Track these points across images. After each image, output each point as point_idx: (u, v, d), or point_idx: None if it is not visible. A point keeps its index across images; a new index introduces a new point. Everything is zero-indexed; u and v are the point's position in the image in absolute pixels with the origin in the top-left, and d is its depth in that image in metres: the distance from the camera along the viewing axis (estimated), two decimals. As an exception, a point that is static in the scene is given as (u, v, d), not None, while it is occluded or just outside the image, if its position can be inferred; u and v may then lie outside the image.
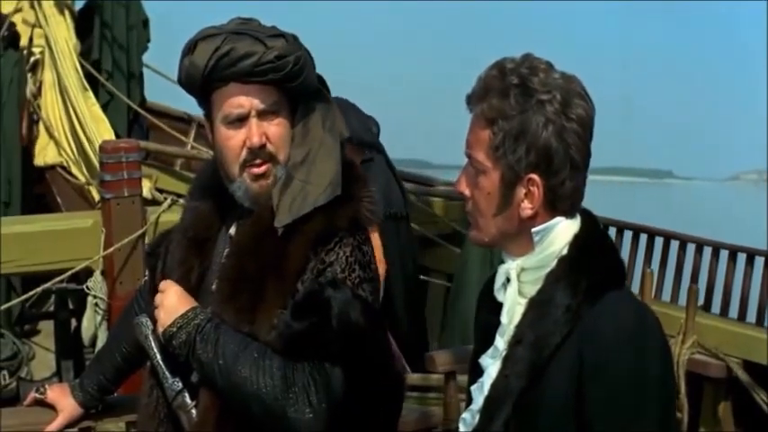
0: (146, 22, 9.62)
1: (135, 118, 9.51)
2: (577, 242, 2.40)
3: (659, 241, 9.03)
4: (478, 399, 2.46)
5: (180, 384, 2.91)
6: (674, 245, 9.13)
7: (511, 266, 2.44)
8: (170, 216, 6.69)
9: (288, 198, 2.80)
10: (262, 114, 2.83)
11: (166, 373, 2.92)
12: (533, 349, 2.34)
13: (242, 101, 2.83)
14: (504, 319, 2.44)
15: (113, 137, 8.06)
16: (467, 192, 2.44)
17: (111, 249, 6.51)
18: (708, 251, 9.03)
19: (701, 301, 8.09)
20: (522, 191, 2.37)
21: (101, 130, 8.26)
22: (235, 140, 2.84)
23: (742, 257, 8.83)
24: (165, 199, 7.19)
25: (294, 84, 2.84)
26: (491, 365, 2.45)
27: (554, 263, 2.39)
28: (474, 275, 7.02)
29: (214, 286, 2.92)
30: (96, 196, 7.67)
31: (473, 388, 2.51)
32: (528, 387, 2.33)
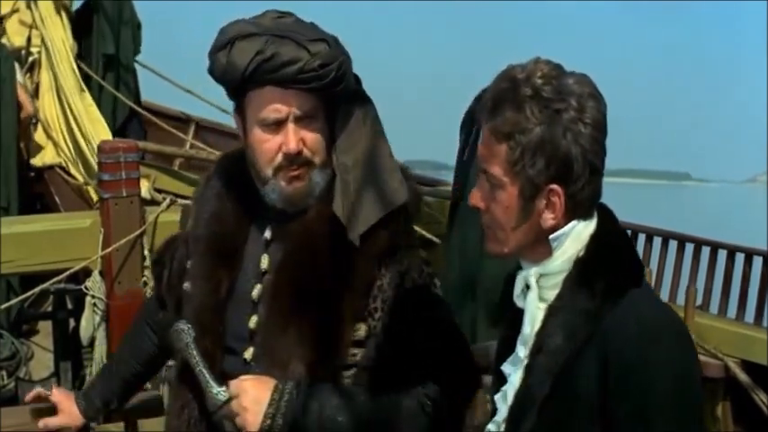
0: (139, 26, 9.63)
1: (131, 117, 9.51)
2: (594, 243, 2.37)
3: (657, 241, 9.03)
4: (502, 408, 2.44)
5: (227, 393, 2.76)
6: (673, 245, 9.12)
7: (529, 273, 2.40)
8: (169, 216, 6.69)
9: (353, 208, 2.73)
10: (299, 119, 2.75)
11: (211, 381, 2.78)
12: (555, 356, 2.31)
13: (280, 106, 2.74)
14: (525, 326, 2.40)
15: (110, 137, 8.07)
16: (482, 205, 2.39)
17: (110, 249, 6.51)
18: (706, 251, 9.03)
19: (699, 301, 8.10)
20: (542, 202, 2.33)
21: (98, 130, 8.26)
22: (270, 144, 2.77)
23: (740, 257, 8.84)
24: (164, 199, 7.19)
25: (336, 89, 2.76)
26: (513, 374, 2.42)
27: (571, 266, 2.36)
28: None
29: (256, 294, 2.85)
30: (95, 196, 7.68)
31: (497, 397, 2.48)
32: (551, 394, 2.31)
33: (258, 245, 2.88)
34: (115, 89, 9.23)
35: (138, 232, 6.59)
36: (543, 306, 2.38)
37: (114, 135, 8.41)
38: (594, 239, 2.38)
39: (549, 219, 2.34)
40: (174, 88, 9.77)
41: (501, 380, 2.48)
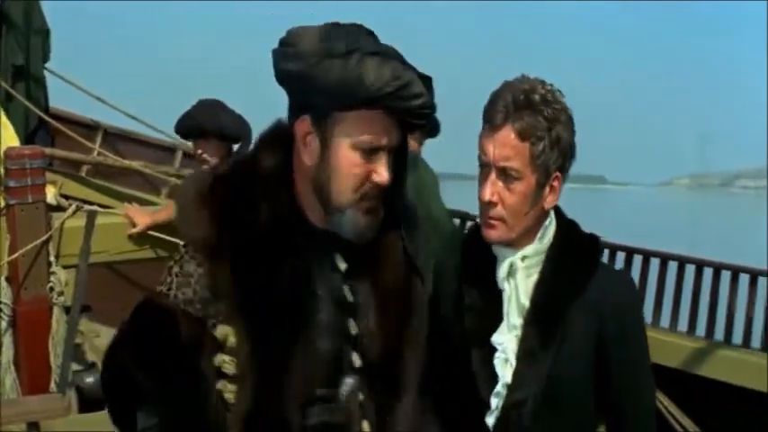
0: (47, 33, 9.59)
1: (39, 124, 9.48)
2: (561, 229, 2.93)
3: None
4: (506, 371, 2.84)
5: None
6: (605, 253, 9.35)
7: (515, 257, 2.87)
8: (74, 222, 6.71)
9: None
10: (390, 151, 2.64)
11: None
12: (556, 322, 2.82)
13: (386, 134, 2.61)
14: (522, 300, 2.86)
15: (18, 143, 8.03)
16: (495, 199, 2.81)
17: (16, 255, 6.50)
18: (638, 259, 9.32)
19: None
20: (547, 188, 2.84)
21: (6, 136, 8.20)
22: (362, 170, 2.60)
23: (673, 265, 9.14)
24: (70, 205, 7.19)
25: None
26: (508, 342, 2.84)
27: (548, 247, 2.89)
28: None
29: (354, 330, 2.70)
30: (1, 202, 7.65)
31: (496, 362, 2.84)
32: (556, 353, 2.81)
33: (329, 275, 2.71)
34: (26, 98, 9.19)
35: (43, 238, 6.59)
36: (526, 280, 2.87)
37: (24, 142, 8.38)
38: (560, 227, 2.93)
39: (551, 201, 2.86)
40: (83, 94, 9.74)
41: (491, 350, 2.86)
